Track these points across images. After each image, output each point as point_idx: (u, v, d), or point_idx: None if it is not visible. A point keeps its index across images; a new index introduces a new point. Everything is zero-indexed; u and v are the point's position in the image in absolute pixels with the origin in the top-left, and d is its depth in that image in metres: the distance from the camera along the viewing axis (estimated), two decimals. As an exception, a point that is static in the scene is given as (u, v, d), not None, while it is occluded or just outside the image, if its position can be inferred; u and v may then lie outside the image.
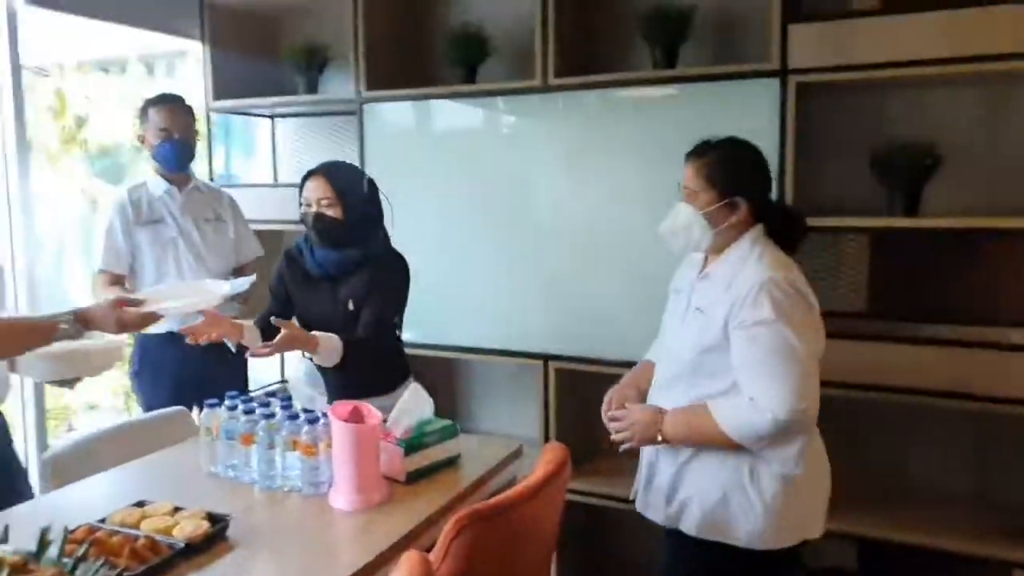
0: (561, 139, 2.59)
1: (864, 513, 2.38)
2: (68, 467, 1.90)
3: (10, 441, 2.07)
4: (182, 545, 1.43)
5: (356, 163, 2.94)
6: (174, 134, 2.57)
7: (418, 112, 2.87)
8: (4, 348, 1.79)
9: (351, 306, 2.14)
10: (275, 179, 3.49)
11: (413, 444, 1.81)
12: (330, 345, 2.01)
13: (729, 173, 1.72)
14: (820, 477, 1.77)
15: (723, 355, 1.65)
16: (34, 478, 2.23)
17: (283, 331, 1.95)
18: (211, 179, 3.23)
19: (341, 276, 2.18)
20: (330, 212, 2.12)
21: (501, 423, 3.12)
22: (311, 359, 2.08)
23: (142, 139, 2.64)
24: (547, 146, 2.62)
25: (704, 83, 2.41)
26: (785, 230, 1.76)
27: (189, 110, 2.65)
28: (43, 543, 1.27)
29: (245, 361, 2.77)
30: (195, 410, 2.42)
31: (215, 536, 1.50)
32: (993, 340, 2.22)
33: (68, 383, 2.38)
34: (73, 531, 1.40)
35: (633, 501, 1.91)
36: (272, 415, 1.78)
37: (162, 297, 2.08)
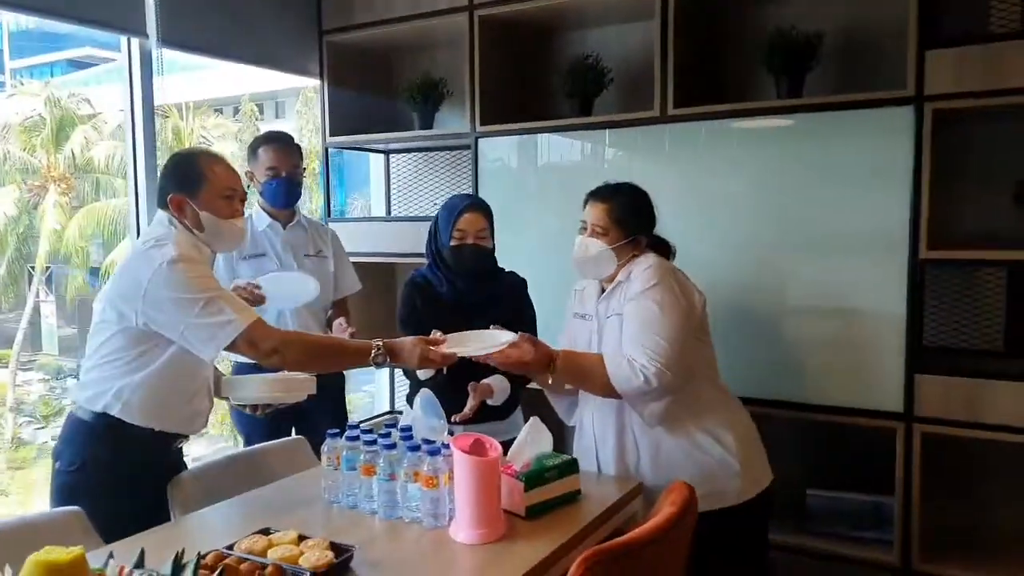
0: (680, 172, 2.55)
1: (986, 560, 2.26)
2: (192, 493, 1.96)
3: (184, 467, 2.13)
4: (308, 575, 1.43)
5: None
6: (282, 172, 2.62)
7: (531, 145, 2.89)
8: (334, 364, 2.06)
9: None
10: (388, 212, 3.57)
11: (533, 478, 1.77)
12: (502, 386, 2.19)
13: (631, 216, 2.04)
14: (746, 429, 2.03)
15: None
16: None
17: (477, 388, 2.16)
18: (328, 213, 3.33)
19: (479, 303, 2.26)
20: (486, 244, 2.27)
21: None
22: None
23: (251, 176, 2.71)
24: (664, 178, 2.57)
25: (832, 112, 2.32)
26: (663, 255, 2.09)
27: (297, 149, 2.72)
28: (177, 567, 1.29)
29: (343, 391, 2.84)
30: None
31: (340, 567, 1.49)
32: None
33: (257, 408, 2.44)
34: (204, 556, 1.43)
35: None
36: (393, 446, 1.78)
37: (457, 341, 2.08)
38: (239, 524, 1.68)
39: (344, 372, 2.84)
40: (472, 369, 2.10)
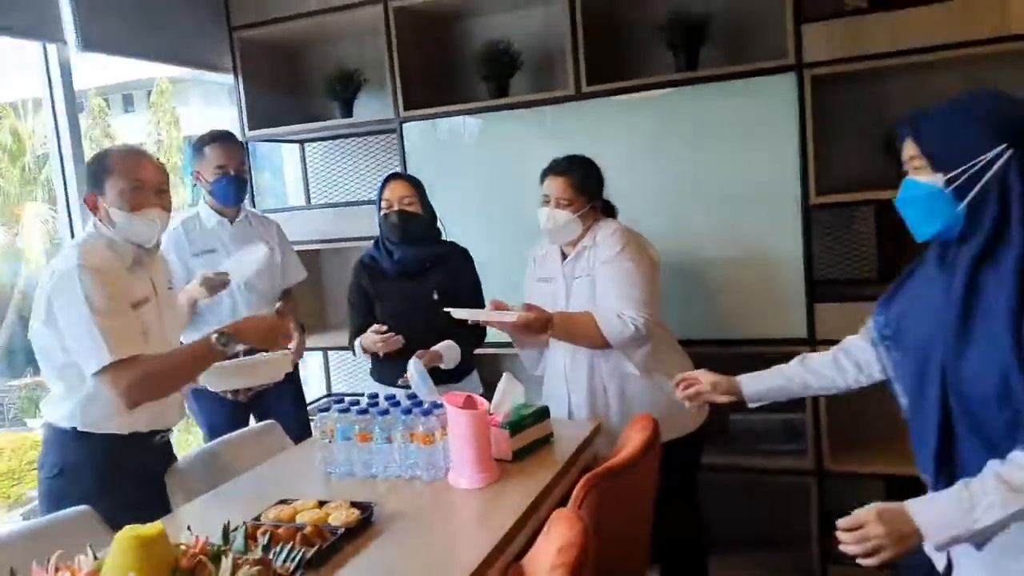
0: (594, 144, 2.77)
1: (887, 454, 2.65)
2: (188, 482, 2.04)
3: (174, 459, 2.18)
4: (343, 530, 1.59)
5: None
6: (230, 170, 2.67)
7: (453, 126, 3.05)
8: (185, 375, 1.94)
9: (435, 296, 2.43)
10: (307, 201, 3.63)
11: (515, 425, 1.99)
12: (451, 353, 2.41)
13: (590, 185, 2.29)
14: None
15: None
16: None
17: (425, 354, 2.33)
18: (252, 206, 3.37)
19: (421, 271, 2.46)
20: (412, 210, 2.43)
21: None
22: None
23: (198, 175, 2.74)
24: (582, 150, 2.79)
25: (726, 81, 2.63)
26: (610, 215, 2.38)
27: (241, 146, 2.78)
28: (227, 537, 1.42)
29: (298, 377, 2.95)
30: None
31: (367, 520, 1.66)
32: None
33: (238, 392, 2.68)
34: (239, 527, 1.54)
35: None
36: (386, 411, 1.94)
37: (473, 314, 2.28)
38: (250, 502, 1.78)
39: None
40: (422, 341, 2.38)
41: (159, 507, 1.92)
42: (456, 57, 3.25)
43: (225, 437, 2.34)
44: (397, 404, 2.00)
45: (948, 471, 1.33)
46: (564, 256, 2.35)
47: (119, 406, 1.83)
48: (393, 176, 2.50)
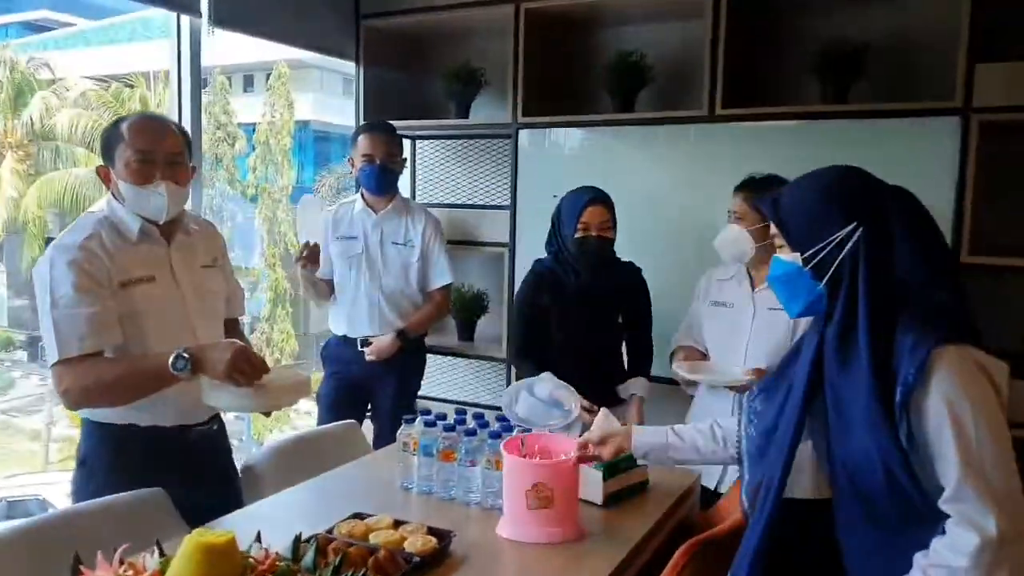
0: (724, 169, 2.59)
1: None
2: (262, 476, 1.98)
3: (229, 450, 2.11)
4: (418, 559, 1.46)
5: (508, 185, 3.02)
6: (376, 159, 2.72)
7: (571, 137, 2.92)
8: (131, 392, 1.74)
9: (621, 320, 2.45)
10: (412, 197, 3.57)
11: (611, 468, 1.83)
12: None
13: None
14: None
15: None
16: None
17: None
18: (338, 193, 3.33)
19: (603, 295, 2.39)
20: (608, 236, 2.36)
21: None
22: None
23: (351, 162, 2.82)
24: (708, 175, 2.63)
25: (877, 119, 2.40)
26: None
27: (394, 138, 2.79)
28: (297, 549, 1.32)
29: (412, 374, 2.95)
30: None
31: (443, 551, 1.53)
32: None
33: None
34: (313, 539, 1.45)
35: None
36: (473, 432, 1.82)
37: (694, 369, 2.24)
38: (322, 509, 1.69)
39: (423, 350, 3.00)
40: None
41: (199, 506, 1.69)
42: (582, 66, 3.12)
43: (301, 433, 2.29)
44: (486, 425, 1.87)
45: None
46: (752, 282, 2.24)
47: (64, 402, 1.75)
48: (595, 200, 2.34)
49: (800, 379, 1.35)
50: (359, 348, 2.80)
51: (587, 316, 2.40)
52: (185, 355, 1.67)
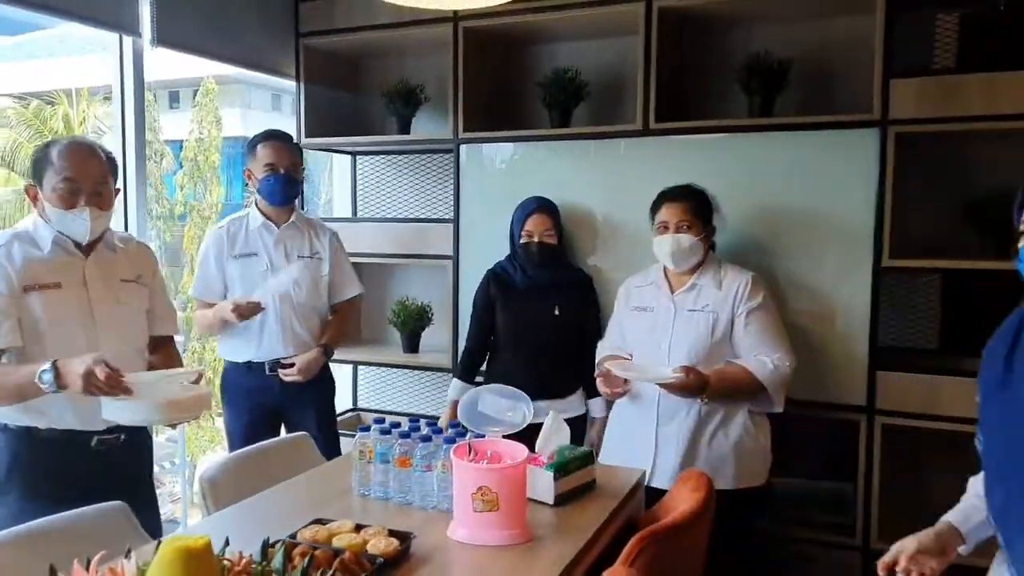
0: (657, 181, 2.69)
1: None
2: (222, 489, 1.96)
3: (143, 466, 2.12)
4: (382, 560, 1.49)
5: (451, 199, 3.08)
6: (280, 169, 2.62)
7: (511, 152, 2.99)
8: None
9: (556, 312, 2.67)
10: (354, 213, 3.59)
11: (560, 468, 1.88)
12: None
13: (705, 211, 2.37)
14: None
15: (727, 339, 2.29)
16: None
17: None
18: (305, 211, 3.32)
19: (548, 290, 2.69)
20: (550, 241, 2.68)
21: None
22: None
23: (249, 174, 2.70)
24: (642, 186, 2.72)
25: (801, 132, 2.55)
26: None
27: (296, 148, 2.73)
28: (266, 554, 1.33)
29: (329, 390, 2.89)
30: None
31: (405, 552, 1.56)
32: None
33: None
34: (277, 544, 1.46)
35: None
36: (428, 438, 1.85)
37: (626, 368, 2.33)
38: (284, 517, 1.70)
39: (329, 368, 2.88)
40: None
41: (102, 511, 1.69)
42: (520, 82, 3.20)
43: (257, 445, 2.26)
44: (440, 431, 1.91)
45: None
46: (670, 286, 2.40)
47: None
48: (537, 208, 2.69)
49: None
50: (268, 373, 2.67)
51: (530, 308, 2.70)
52: (51, 368, 1.72)
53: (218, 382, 2.80)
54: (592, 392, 2.60)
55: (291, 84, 3.32)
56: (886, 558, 1.53)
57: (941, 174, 2.62)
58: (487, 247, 2.91)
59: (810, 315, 2.57)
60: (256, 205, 2.72)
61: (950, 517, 1.53)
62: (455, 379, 2.82)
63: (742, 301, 2.29)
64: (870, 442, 2.49)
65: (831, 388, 2.53)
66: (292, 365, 2.67)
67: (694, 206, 2.35)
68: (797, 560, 2.72)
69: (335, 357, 2.88)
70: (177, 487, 9.82)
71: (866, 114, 2.45)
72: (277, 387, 2.68)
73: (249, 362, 2.69)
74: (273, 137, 2.68)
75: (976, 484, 1.51)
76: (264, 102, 17.99)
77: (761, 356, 2.25)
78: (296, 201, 2.78)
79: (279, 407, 2.72)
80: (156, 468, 2.09)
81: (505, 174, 3.00)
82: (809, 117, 2.58)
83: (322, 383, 2.80)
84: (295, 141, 2.78)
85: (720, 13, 2.76)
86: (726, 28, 2.88)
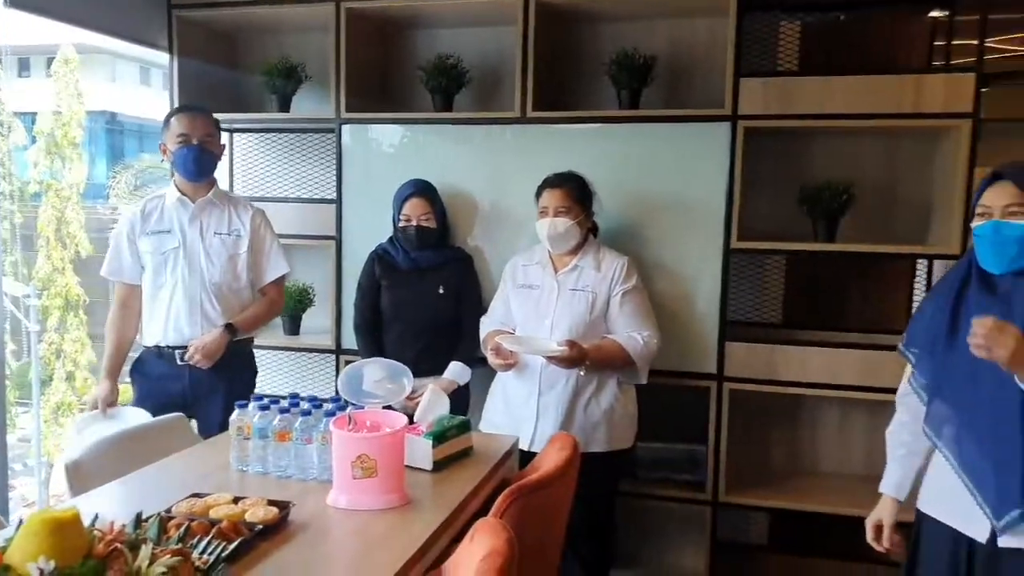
0: (538, 167, 2.81)
1: (775, 489, 2.84)
2: (88, 472, 1.94)
3: None
4: (261, 527, 1.55)
5: (333, 180, 3.10)
6: (193, 140, 2.53)
7: (393, 134, 3.05)
8: None
9: (441, 291, 2.79)
10: (231, 190, 3.52)
11: (438, 437, 2.00)
12: (465, 375, 2.76)
13: (585, 197, 2.55)
14: None
15: (604, 316, 2.50)
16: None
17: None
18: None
19: (430, 270, 2.80)
20: (428, 225, 2.77)
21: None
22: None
23: (163, 148, 2.61)
24: (524, 172, 2.85)
25: (664, 124, 2.75)
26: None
27: (212, 120, 2.64)
28: (139, 526, 1.36)
29: (247, 377, 2.81)
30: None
31: (284, 519, 1.62)
32: (886, 343, 2.67)
33: None
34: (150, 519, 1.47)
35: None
36: (308, 412, 1.91)
37: (515, 341, 2.51)
38: (159, 494, 1.71)
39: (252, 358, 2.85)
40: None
41: None
42: (404, 65, 3.25)
43: (128, 428, 2.24)
44: (320, 405, 1.97)
45: None
46: (554, 266, 2.57)
47: None
48: (413, 193, 2.77)
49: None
50: (179, 362, 2.57)
51: (414, 288, 2.79)
52: None
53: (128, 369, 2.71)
54: (464, 359, 2.77)
55: (163, 57, 3.23)
56: (872, 535, 1.88)
57: (784, 166, 2.91)
58: (371, 228, 2.97)
59: (670, 294, 2.78)
60: (174, 181, 2.64)
61: (892, 493, 1.85)
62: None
63: (618, 282, 2.50)
64: (720, 406, 2.75)
65: (686, 358, 2.77)
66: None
67: (573, 192, 2.52)
68: (656, 515, 2.97)
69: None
70: (31, 491, 9.06)
71: (719, 109, 2.68)
72: (187, 376, 2.58)
73: (158, 346, 2.60)
74: (187, 108, 2.63)
75: (900, 436, 1.84)
76: (132, 75, 16.92)
77: (633, 333, 2.47)
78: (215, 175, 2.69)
79: (187, 399, 2.59)
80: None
81: (389, 155, 3.05)
82: (671, 110, 2.80)
83: (234, 378, 2.65)
84: (210, 111, 2.68)
85: (592, 9, 2.92)
86: (598, 24, 3.04)
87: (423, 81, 3.04)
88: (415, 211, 2.76)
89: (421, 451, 1.97)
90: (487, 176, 2.95)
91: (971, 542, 1.62)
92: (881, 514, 1.85)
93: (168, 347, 2.59)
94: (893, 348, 2.61)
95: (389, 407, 1.93)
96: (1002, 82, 7.16)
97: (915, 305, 3.03)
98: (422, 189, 2.80)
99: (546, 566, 1.95)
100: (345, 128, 3.06)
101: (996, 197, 1.60)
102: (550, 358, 2.39)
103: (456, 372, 2.74)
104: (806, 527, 3.00)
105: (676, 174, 2.77)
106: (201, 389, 2.59)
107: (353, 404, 1.95)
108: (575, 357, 2.36)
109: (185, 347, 2.57)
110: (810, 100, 2.63)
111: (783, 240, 2.80)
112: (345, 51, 3.00)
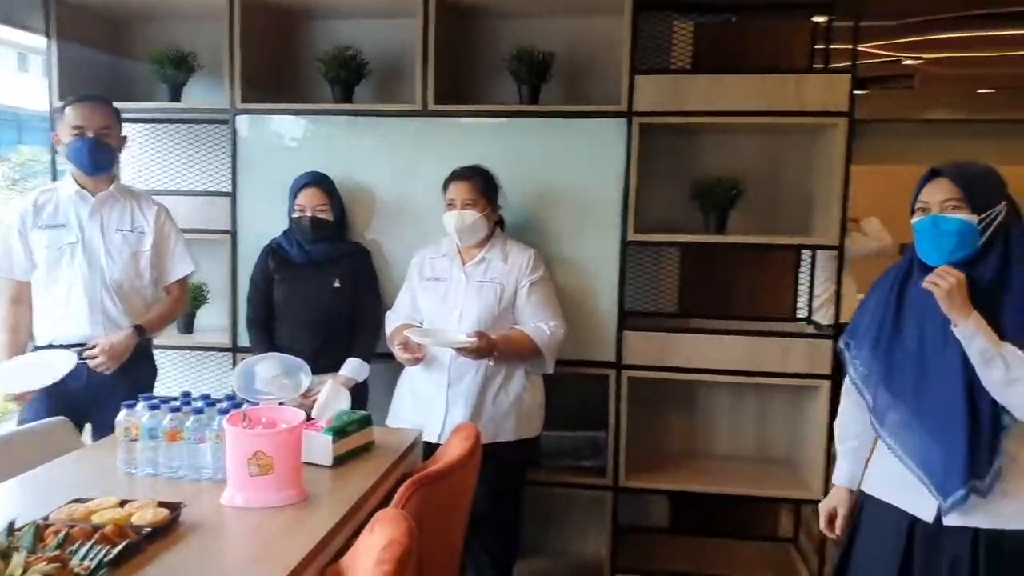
0: (434, 161, 2.82)
1: (672, 472, 2.95)
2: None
3: None
4: (148, 530, 1.49)
5: (227, 173, 3.01)
6: (88, 132, 2.41)
7: (291, 126, 2.98)
8: None
9: (337, 284, 2.73)
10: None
11: (338, 432, 1.97)
12: (363, 371, 2.69)
13: (491, 190, 2.58)
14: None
15: (511, 308, 2.54)
16: None
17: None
18: (53, 180, 3.06)
19: (325, 263, 2.74)
20: (323, 216, 2.73)
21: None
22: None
23: (57, 139, 2.49)
24: (428, 165, 2.84)
25: (564, 119, 2.80)
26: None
27: (111, 111, 2.51)
28: (11, 535, 1.28)
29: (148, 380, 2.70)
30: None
31: (174, 521, 1.57)
32: (773, 330, 2.88)
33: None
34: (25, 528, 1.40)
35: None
36: (200, 410, 1.85)
37: (423, 334, 2.47)
38: (38, 501, 1.62)
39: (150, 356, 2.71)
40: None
41: None
42: (303, 56, 3.18)
43: (3, 434, 2.11)
44: (213, 404, 1.91)
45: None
46: (462, 259, 2.59)
47: None
48: (307, 183, 2.72)
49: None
50: (77, 360, 2.41)
51: (308, 282, 2.72)
52: None
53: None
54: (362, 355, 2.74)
55: (42, 42, 3.04)
56: (825, 523, 1.95)
57: (678, 161, 3.01)
58: (269, 222, 2.89)
59: (571, 285, 2.83)
60: (71, 173, 2.50)
61: (846, 484, 1.92)
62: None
63: (525, 274, 2.54)
64: (619, 393, 2.83)
65: (587, 348, 2.83)
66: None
67: (479, 185, 2.54)
68: (559, 502, 3.03)
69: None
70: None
71: (616, 105, 2.75)
72: (85, 376, 2.43)
73: (52, 345, 2.46)
74: (83, 98, 2.49)
75: (851, 427, 1.91)
76: (8, 61, 15.82)
77: (540, 324, 2.52)
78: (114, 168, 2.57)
79: (84, 401, 2.44)
80: None
81: (287, 148, 2.98)
82: (570, 106, 2.85)
83: (137, 370, 2.54)
84: (109, 102, 2.55)
85: (490, 5, 2.95)
86: (498, 19, 3.06)
87: (322, 72, 2.99)
88: (310, 201, 2.72)
89: (321, 447, 1.95)
90: (389, 169, 2.93)
91: (914, 521, 1.70)
92: (835, 504, 1.91)
93: (64, 345, 2.45)
94: (779, 334, 2.81)
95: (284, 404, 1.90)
96: (879, 85, 7.64)
97: (800, 293, 3.21)
98: (318, 180, 2.76)
99: (449, 556, 1.96)
100: (240, 119, 2.97)
101: (934, 193, 1.69)
102: (459, 350, 2.40)
103: (353, 368, 2.69)
104: (703, 508, 3.14)
105: (575, 169, 2.83)
106: (101, 391, 2.45)
107: (248, 402, 1.90)
108: (484, 348, 2.38)
109: (82, 344, 2.45)
110: (702, 98, 2.73)
111: (678, 232, 2.92)
112: (240, 40, 2.91)
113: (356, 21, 3.14)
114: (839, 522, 1.91)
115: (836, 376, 2.66)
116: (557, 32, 3.01)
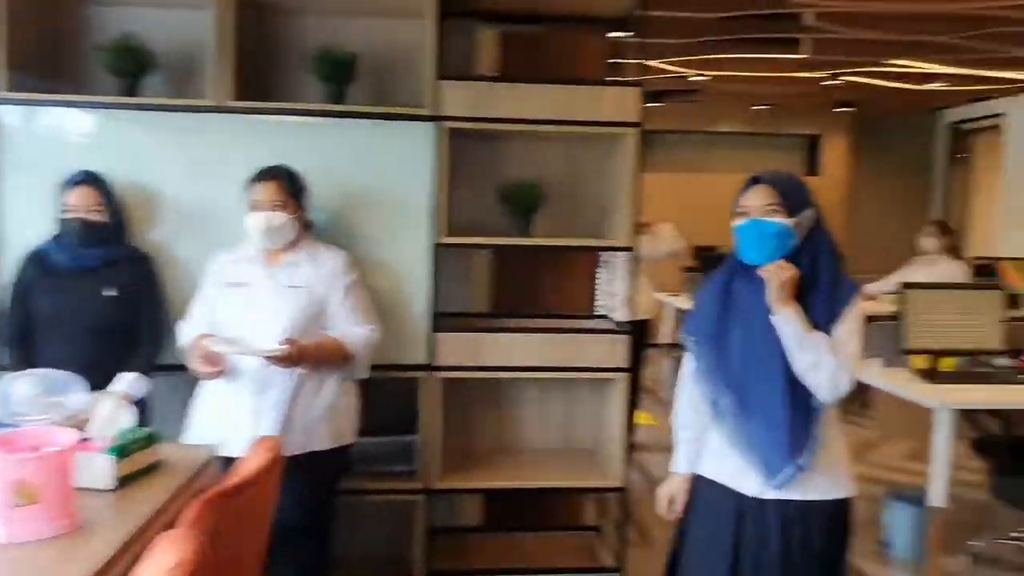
0: (233, 161, 2.66)
1: (484, 471, 3.02)
2: None
3: None
4: None
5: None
6: None
7: (71, 118, 2.71)
8: None
9: (115, 292, 2.53)
10: None
11: (122, 450, 1.82)
12: (141, 384, 2.29)
13: (298, 190, 2.53)
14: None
15: (324, 312, 2.47)
16: None
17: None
18: None
19: (98, 269, 2.54)
20: (94, 219, 2.51)
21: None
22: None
23: None
24: (225, 164, 2.69)
25: (370, 121, 2.77)
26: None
27: None
28: None
29: None
30: None
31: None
32: (576, 327, 3.03)
33: None
34: None
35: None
36: (-48, 436, 1.64)
37: (228, 343, 2.32)
38: None
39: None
40: None
41: None
42: (82, 43, 2.91)
43: None
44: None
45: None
46: (268, 262, 2.47)
47: None
48: (81, 181, 2.51)
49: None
50: None
51: (77, 291, 2.50)
52: None
53: None
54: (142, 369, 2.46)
55: None
56: (665, 507, 2.09)
57: (485, 165, 3.08)
58: (41, 227, 2.60)
59: (382, 288, 2.80)
60: None
61: (684, 471, 2.06)
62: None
63: (338, 277, 2.47)
64: (431, 395, 2.84)
65: (399, 351, 2.81)
66: None
67: (287, 186, 2.46)
68: (372, 509, 2.99)
69: None
70: None
71: (422, 109, 2.76)
72: None
73: None
74: None
75: (684, 418, 2.05)
76: None
77: (354, 328, 2.46)
78: None
79: None
80: None
81: (62, 143, 2.70)
82: (376, 108, 2.82)
83: None
84: None
85: (289, 2, 2.87)
86: (299, 17, 2.97)
87: (103, 62, 2.74)
88: (82, 201, 2.50)
89: (100, 469, 1.79)
90: (181, 169, 2.73)
91: (741, 497, 1.89)
92: (673, 489, 2.07)
93: None
94: (581, 331, 2.96)
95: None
96: (671, 98, 8.30)
97: (596, 292, 3.41)
98: (91, 178, 2.54)
99: (250, 571, 1.87)
100: (6, 108, 2.66)
101: (755, 198, 1.87)
102: (269, 358, 2.29)
103: (129, 384, 2.34)
104: (515, 503, 3.24)
105: (384, 171, 2.81)
106: None
107: (5, 425, 1.71)
108: (295, 356, 2.29)
109: None
110: (506, 105, 2.80)
111: (487, 235, 2.98)
112: (7, 20, 2.60)
113: (142, 9, 2.92)
114: (677, 506, 2.07)
115: (633, 369, 2.84)
116: (362, 32, 2.98)
